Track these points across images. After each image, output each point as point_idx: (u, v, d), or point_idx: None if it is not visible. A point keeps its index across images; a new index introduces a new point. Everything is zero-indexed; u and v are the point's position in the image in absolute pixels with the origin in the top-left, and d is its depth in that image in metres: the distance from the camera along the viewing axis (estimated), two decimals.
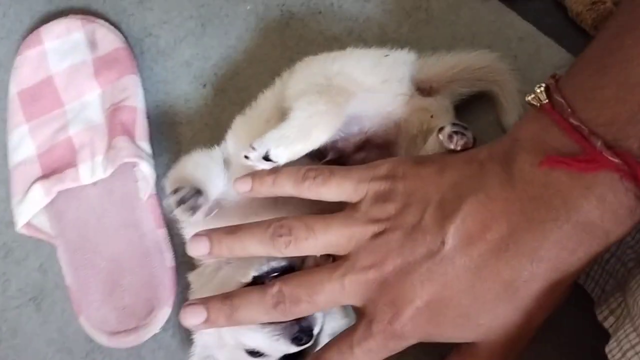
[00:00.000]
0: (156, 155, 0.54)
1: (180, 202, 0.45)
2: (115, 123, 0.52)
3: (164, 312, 0.50)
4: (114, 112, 0.52)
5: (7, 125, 0.55)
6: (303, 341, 0.42)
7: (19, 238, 0.56)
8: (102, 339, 0.51)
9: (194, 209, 0.45)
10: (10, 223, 0.56)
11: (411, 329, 0.39)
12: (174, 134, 0.55)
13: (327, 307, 0.42)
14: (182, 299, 0.51)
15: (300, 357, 0.44)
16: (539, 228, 0.35)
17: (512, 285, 0.36)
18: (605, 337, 0.38)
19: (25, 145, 0.54)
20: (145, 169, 0.51)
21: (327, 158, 0.44)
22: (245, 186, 0.43)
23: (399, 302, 0.38)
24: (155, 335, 0.51)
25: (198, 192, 0.45)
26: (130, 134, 0.52)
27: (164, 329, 0.51)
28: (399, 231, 0.39)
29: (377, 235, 0.39)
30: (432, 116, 0.45)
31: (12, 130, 0.55)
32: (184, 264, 0.52)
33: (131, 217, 0.53)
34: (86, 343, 0.53)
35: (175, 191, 0.45)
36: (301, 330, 0.42)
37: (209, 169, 0.48)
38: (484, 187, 0.37)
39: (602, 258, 0.42)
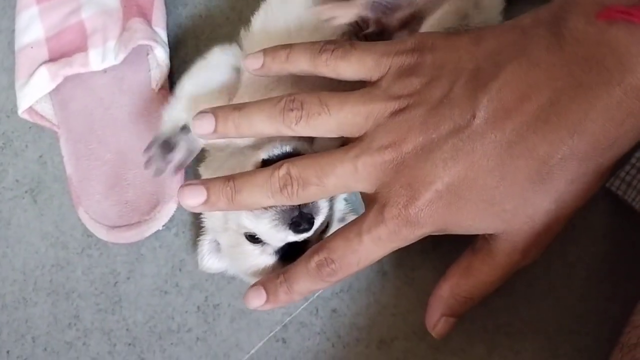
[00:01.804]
0: (172, 48, 0.51)
1: (148, 163, 0.44)
2: (131, 5, 0.49)
3: (169, 208, 0.48)
4: None
5: (17, 6, 0.52)
6: (301, 228, 0.39)
7: (19, 128, 0.53)
8: (101, 233, 0.48)
9: (160, 171, 0.44)
10: (11, 112, 0.53)
11: (428, 214, 0.35)
12: (192, 28, 0.52)
13: (337, 192, 0.39)
14: None
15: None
16: (587, 94, 0.32)
17: (546, 164, 0.33)
18: None
19: (33, 28, 0.51)
20: (160, 55, 0.48)
21: (367, 30, 0.41)
22: (256, 62, 0.40)
23: (417, 185, 0.35)
24: (157, 232, 0.48)
25: (168, 146, 0.44)
26: (146, 18, 0.49)
27: (167, 226, 0.49)
28: (423, 107, 0.35)
29: (397, 112, 0.36)
30: None
31: (21, 12, 0.52)
32: (194, 160, 0.49)
33: (141, 109, 0.50)
34: (82, 239, 0.50)
35: (148, 148, 0.45)
36: (300, 216, 0.38)
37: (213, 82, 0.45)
38: (527, 52, 0.33)
39: (638, 160, 0.39)
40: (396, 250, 0.44)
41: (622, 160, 0.41)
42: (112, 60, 0.48)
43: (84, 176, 0.49)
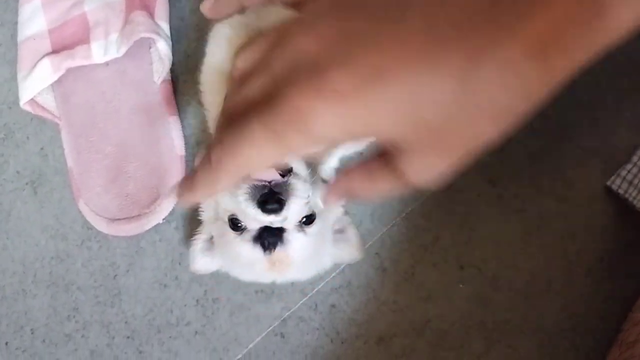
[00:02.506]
0: (174, 41, 0.51)
1: None
2: None
3: (170, 201, 0.48)
4: None
5: None
6: (269, 207, 0.37)
7: (21, 120, 0.53)
8: (101, 225, 0.48)
9: None
10: (14, 104, 0.53)
11: (338, 96, 0.28)
12: (194, 21, 0.52)
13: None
14: None
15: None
16: None
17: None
18: None
19: (36, 20, 0.51)
20: (163, 49, 0.48)
21: None
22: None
23: (326, 63, 0.28)
24: (157, 225, 0.48)
25: None
26: (149, 11, 0.49)
27: (167, 220, 0.48)
28: None
29: None
30: None
31: (24, 4, 0.52)
32: (194, 155, 0.49)
33: (142, 102, 0.50)
34: (82, 231, 0.50)
35: None
36: (270, 193, 0.37)
37: None
38: None
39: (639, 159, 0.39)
40: (395, 246, 0.45)
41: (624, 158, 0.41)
42: (114, 53, 0.48)
43: (84, 169, 0.49)
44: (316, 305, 0.46)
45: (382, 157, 0.33)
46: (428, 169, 0.32)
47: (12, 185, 0.52)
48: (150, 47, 0.50)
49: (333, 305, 0.46)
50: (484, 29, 0.28)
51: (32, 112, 0.50)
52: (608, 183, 0.42)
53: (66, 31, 0.50)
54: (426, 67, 0.29)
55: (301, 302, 0.46)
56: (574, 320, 0.43)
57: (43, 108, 0.51)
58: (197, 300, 0.47)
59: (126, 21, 0.48)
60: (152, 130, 0.49)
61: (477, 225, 0.45)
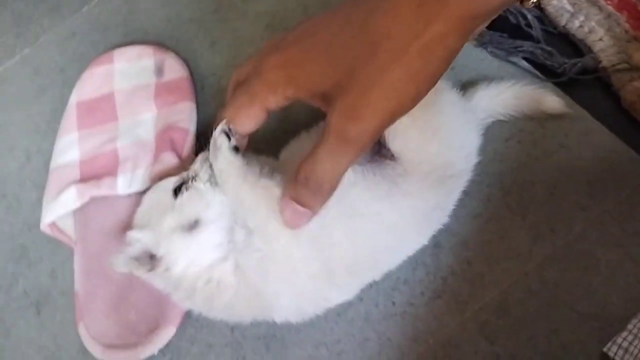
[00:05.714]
0: None
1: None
2: (165, 140, 0.53)
3: (168, 332, 0.48)
4: (165, 130, 0.54)
5: (59, 131, 0.57)
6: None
7: (37, 241, 0.56)
8: (96, 351, 0.48)
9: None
10: (33, 226, 0.56)
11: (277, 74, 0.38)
12: None
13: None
14: (189, 322, 0.49)
15: None
16: None
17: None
18: None
19: (70, 151, 0.55)
20: None
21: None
22: None
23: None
24: (151, 357, 0.48)
25: None
26: (178, 153, 0.53)
27: (162, 352, 0.49)
28: None
29: None
30: None
31: (62, 136, 0.56)
32: None
33: None
34: (77, 356, 0.50)
35: None
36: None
37: None
38: None
39: (635, 327, 0.40)
40: None
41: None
42: (138, 186, 0.51)
43: (90, 293, 0.51)
44: None
45: (324, 133, 0.37)
46: (361, 124, 0.35)
47: (17, 304, 0.53)
48: None
49: None
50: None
51: (50, 234, 0.53)
52: (604, 349, 0.42)
53: (97, 164, 0.54)
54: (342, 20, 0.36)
55: None
56: None
57: (61, 231, 0.53)
58: None
59: (155, 159, 0.52)
60: None
61: None
